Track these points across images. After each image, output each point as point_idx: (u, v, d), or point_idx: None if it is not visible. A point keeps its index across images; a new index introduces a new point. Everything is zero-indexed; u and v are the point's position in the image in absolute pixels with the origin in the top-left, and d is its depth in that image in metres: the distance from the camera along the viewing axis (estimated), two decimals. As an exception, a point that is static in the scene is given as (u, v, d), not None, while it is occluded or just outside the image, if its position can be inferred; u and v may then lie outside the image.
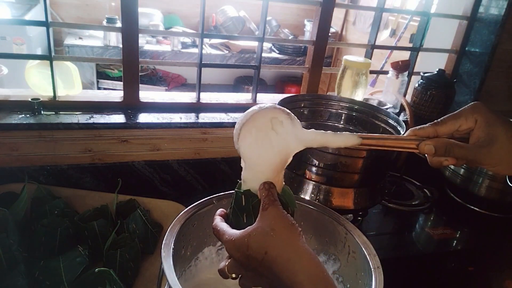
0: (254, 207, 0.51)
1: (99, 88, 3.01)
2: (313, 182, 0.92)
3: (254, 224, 0.48)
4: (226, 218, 0.55)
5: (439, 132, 0.54)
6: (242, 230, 0.48)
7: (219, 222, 0.53)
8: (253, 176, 0.52)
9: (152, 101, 1.12)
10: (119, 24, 2.46)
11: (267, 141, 0.51)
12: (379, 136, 0.55)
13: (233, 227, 0.51)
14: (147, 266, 0.84)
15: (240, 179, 0.54)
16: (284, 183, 0.55)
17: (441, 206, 1.19)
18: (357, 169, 0.89)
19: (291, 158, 0.53)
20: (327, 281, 0.42)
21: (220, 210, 0.56)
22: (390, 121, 1.05)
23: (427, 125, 0.54)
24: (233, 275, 0.50)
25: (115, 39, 2.83)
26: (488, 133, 0.52)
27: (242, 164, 0.53)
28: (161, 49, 3.07)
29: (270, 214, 0.47)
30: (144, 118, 1.05)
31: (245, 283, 0.50)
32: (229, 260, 0.51)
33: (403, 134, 0.56)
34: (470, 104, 0.54)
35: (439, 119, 0.54)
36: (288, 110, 0.52)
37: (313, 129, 0.53)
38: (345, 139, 0.53)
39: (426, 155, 0.55)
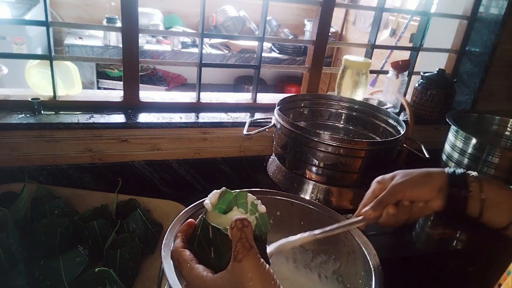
0: (224, 242, 0.43)
1: (99, 88, 3.01)
2: (313, 182, 0.92)
3: (226, 274, 0.40)
4: (190, 242, 0.46)
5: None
6: (212, 277, 0.41)
7: (181, 249, 0.44)
8: None
9: (152, 101, 1.12)
10: (119, 24, 2.45)
11: None
12: (330, 228, 0.60)
13: (197, 258, 0.44)
14: (147, 266, 0.84)
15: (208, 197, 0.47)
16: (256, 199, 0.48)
17: (441, 206, 1.19)
18: (357, 169, 0.89)
19: None
20: None
21: (186, 225, 0.47)
22: (390, 120, 1.05)
23: (369, 207, 0.65)
24: None
25: (115, 39, 2.83)
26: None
27: None
28: (161, 49, 3.07)
29: (245, 269, 0.39)
30: (144, 118, 1.05)
31: None
32: None
33: (352, 218, 0.66)
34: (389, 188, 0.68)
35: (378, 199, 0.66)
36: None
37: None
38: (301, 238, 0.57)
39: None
